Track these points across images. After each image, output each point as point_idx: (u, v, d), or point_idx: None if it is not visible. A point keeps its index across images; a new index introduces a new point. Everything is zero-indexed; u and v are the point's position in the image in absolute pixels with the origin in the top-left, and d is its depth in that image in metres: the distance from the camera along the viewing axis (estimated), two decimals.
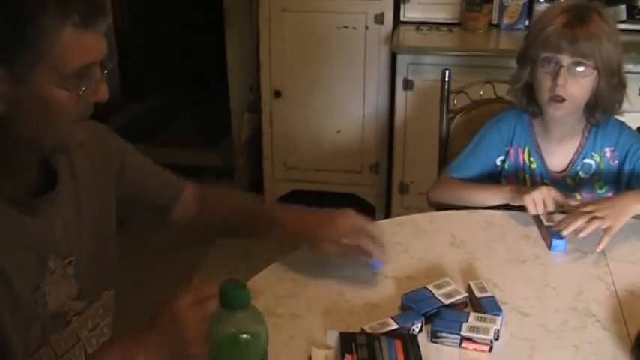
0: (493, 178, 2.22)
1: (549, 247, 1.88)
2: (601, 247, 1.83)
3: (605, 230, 1.83)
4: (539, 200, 1.93)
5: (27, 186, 1.35)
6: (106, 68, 1.31)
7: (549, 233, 1.89)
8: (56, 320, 1.40)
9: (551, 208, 1.94)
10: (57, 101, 1.23)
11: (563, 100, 2.02)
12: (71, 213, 1.45)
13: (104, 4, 1.26)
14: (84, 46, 1.22)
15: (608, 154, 2.16)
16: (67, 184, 1.44)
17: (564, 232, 1.84)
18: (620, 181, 2.17)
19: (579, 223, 1.82)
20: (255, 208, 1.91)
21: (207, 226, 1.85)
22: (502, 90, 2.43)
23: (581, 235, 1.83)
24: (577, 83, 2.01)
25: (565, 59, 1.98)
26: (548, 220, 1.94)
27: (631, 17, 3.43)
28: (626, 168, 2.14)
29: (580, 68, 1.99)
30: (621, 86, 2.08)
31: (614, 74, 2.04)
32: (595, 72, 2.00)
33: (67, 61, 1.21)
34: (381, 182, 3.85)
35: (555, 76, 2.00)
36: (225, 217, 1.83)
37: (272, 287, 1.72)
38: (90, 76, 1.26)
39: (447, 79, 2.48)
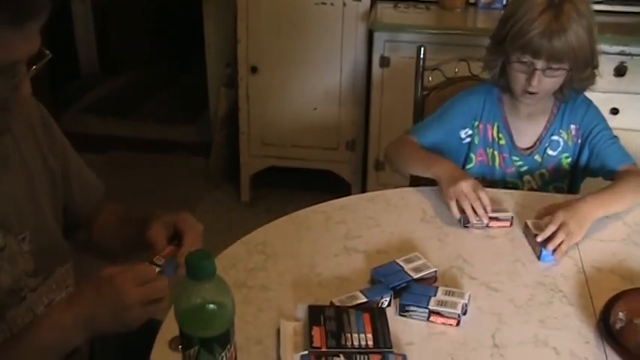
0: (460, 153, 2.23)
1: (538, 258, 1.80)
2: (560, 255, 1.79)
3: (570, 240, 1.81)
4: (464, 200, 1.88)
5: None
6: (34, 65, 1.27)
7: (538, 243, 1.81)
8: (10, 297, 1.40)
9: (483, 214, 1.88)
10: None
11: (536, 93, 2.06)
12: (21, 188, 1.45)
13: (36, 5, 1.21)
14: (7, 44, 1.19)
15: (573, 132, 2.18)
16: (12, 158, 1.43)
17: (550, 248, 1.78)
18: (579, 161, 2.20)
19: (560, 239, 1.78)
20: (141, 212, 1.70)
21: (100, 236, 1.74)
22: (477, 68, 2.43)
23: (564, 249, 1.78)
24: (550, 80, 2.04)
25: (540, 64, 2.00)
26: (536, 228, 1.85)
27: None
28: (586, 149, 2.17)
29: (555, 71, 2.01)
30: (593, 74, 2.10)
31: (588, 65, 2.06)
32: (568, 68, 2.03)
33: None
34: (356, 159, 3.85)
35: (530, 75, 2.02)
36: (117, 223, 1.72)
37: (243, 260, 1.73)
38: (10, 73, 1.23)
39: (421, 55, 2.48)
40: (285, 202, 3.83)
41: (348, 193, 3.76)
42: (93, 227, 1.71)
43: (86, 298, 1.30)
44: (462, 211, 1.89)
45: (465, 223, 1.89)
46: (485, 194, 1.89)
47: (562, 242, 1.78)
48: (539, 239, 1.80)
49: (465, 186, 1.89)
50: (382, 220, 1.94)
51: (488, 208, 1.88)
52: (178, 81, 5.64)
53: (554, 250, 1.78)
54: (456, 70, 2.52)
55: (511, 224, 1.91)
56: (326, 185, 3.81)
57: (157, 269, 1.38)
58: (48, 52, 1.28)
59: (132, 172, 4.39)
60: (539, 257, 1.79)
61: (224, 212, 3.97)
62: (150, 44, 5.85)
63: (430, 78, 2.51)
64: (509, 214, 1.92)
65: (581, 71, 2.05)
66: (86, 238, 1.71)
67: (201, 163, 4.38)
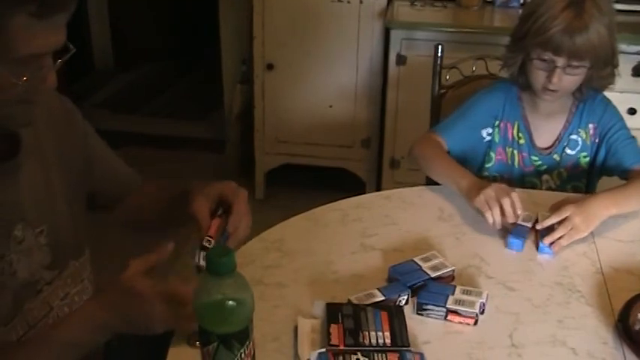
0: (480, 151, 2.22)
1: (537, 249, 1.82)
2: (557, 248, 1.79)
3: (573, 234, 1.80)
4: (494, 203, 1.84)
5: None
6: (60, 58, 1.29)
7: (539, 232, 1.83)
8: (27, 289, 1.41)
9: (510, 212, 1.83)
10: None
11: (556, 91, 2.05)
12: (40, 181, 1.46)
13: None
14: (34, 35, 1.20)
15: (591, 131, 2.17)
16: (33, 152, 1.44)
17: (546, 242, 1.78)
18: (596, 160, 2.19)
19: (560, 233, 1.78)
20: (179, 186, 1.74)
21: (137, 213, 1.78)
22: (494, 67, 2.43)
23: (563, 244, 1.79)
24: (570, 78, 2.03)
25: (561, 61, 1.99)
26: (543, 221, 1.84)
27: None
28: (602, 149, 2.17)
29: (575, 69, 2.00)
30: (613, 73, 2.09)
31: (608, 64, 2.05)
32: (589, 66, 2.02)
33: (13, 47, 1.19)
34: (371, 157, 3.85)
35: (550, 73, 2.01)
36: (154, 198, 1.76)
37: (259, 257, 1.72)
38: (36, 64, 1.24)
39: (439, 54, 2.47)
40: (298, 200, 3.82)
41: (362, 192, 3.75)
42: (127, 207, 1.75)
43: (117, 307, 1.32)
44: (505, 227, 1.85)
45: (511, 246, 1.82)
46: (517, 195, 1.85)
47: (563, 236, 1.78)
48: (537, 227, 1.81)
49: (496, 186, 1.87)
50: (398, 218, 1.93)
51: (518, 205, 1.84)
52: (191, 77, 5.64)
53: (552, 243, 1.78)
54: (473, 68, 2.51)
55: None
56: (340, 183, 3.80)
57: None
58: (72, 46, 1.29)
59: (144, 167, 4.34)
60: (537, 248, 1.80)
61: None
62: (164, 40, 5.85)
63: (447, 77, 2.50)
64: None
65: (601, 69, 2.04)
66: (122, 218, 1.77)
67: (215, 159, 4.38)
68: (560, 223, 1.81)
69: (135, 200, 1.76)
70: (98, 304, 1.33)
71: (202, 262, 1.39)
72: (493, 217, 1.83)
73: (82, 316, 1.34)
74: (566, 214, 1.80)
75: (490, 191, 1.85)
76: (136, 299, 1.29)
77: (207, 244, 1.44)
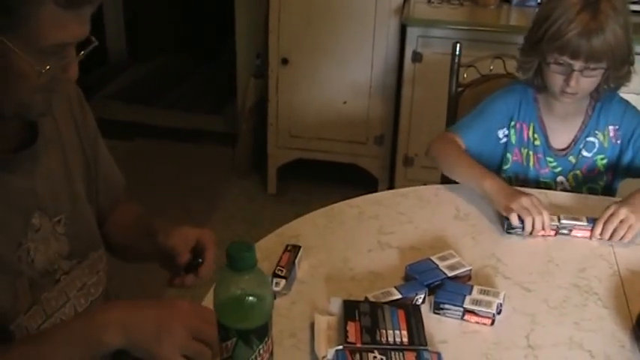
0: (497, 153, 2.21)
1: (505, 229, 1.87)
2: (629, 238, 1.83)
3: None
4: (527, 215, 1.85)
5: (5, 142, 1.35)
6: (82, 51, 1.29)
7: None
8: (45, 278, 1.41)
9: (540, 228, 1.85)
10: (16, 71, 1.22)
11: (574, 93, 2.04)
12: (58, 169, 1.46)
13: None
14: (61, 25, 1.21)
15: (611, 133, 2.16)
16: (51, 141, 1.44)
17: (603, 235, 1.83)
18: (620, 163, 2.18)
19: (622, 232, 1.82)
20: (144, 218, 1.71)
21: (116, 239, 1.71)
22: (512, 66, 2.41)
23: (629, 237, 1.83)
24: (588, 80, 2.02)
25: (578, 64, 1.97)
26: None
27: None
28: (629, 150, 2.15)
29: (592, 71, 1.99)
30: (629, 71, 2.08)
31: (625, 63, 2.04)
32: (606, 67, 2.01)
33: (39, 36, 1.20)
34: (385, 154, 3.84)
35: (567, 77, 2.00)
36: (127, 227, 1.70)
37: (277, 253, 1.71)
38: (60, 55, 1.25)
39: (457, 52, 2.46)
40: (310, 195, 3.84)
41: (374, 189, 3.75)
42: (106, 224, 1.70)
43: (138, 306, 1.27)
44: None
45: (508, 229, 1.86)
46: (547, 211, 1.86)
47: (617, 231, 1.83)
48: (613, 241, 1.84)
49: (526, 200, 1.86)
50: (415, 216, 1.93)
51: (547, 224, 1.85)
52: (205, 70, 5.64)
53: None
54: (491, 67, 2.51)
55: (556, 234, 1.88)
56: (352, 179, 3.80)
57: None
58: (94, 39, 1.30)
59: (158, 159, 4.40)
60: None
61: (249, 203, 3.98)
62: (178, 32, 5.86)
63: (465, 75, 2.49)
64: (555, 224, 1.88)
65: (618, 69, 2.03)
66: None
67: (228, 152, 4.38)
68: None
69: (112, 220, 1.71)
70: (114, 305, 1.31)
71: (276, 288, 1.56)
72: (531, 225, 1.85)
73: (87, 313, 1.33)
74: (612, 211, 1.83)
75: (522, 204, 1.85)
76: (163, 304, 1.26)
77: (279, 273, 1.60)
